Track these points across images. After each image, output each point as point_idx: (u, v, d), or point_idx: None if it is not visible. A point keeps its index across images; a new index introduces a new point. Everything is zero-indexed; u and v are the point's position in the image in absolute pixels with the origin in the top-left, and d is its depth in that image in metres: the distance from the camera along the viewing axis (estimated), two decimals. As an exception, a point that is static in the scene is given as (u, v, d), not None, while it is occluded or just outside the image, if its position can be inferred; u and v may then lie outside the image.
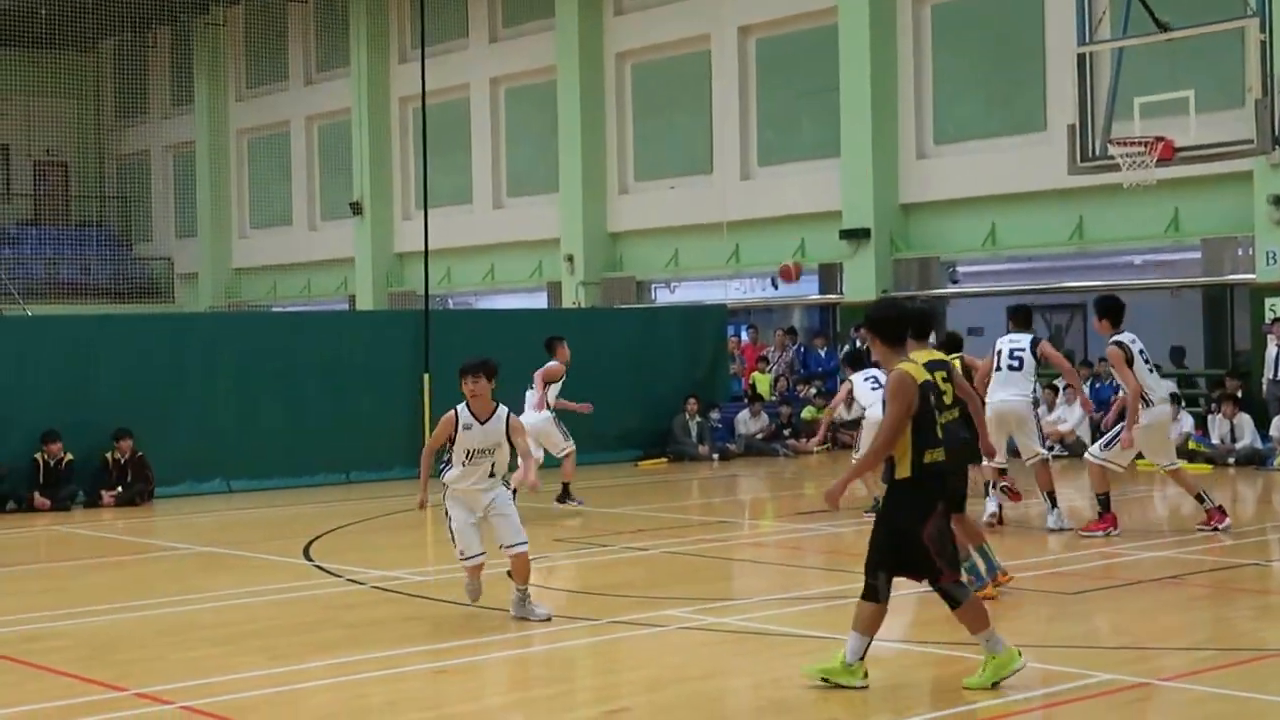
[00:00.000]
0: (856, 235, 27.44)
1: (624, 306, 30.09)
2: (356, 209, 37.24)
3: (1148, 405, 14.57)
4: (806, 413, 26.45)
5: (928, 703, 8.58)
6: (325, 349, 22.66)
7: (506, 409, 11.22)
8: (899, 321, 8.96)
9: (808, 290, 29.89)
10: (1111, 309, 14.77)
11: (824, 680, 8.57)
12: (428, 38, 26.86)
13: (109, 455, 20.13)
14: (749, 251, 30.01)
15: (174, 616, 11.71)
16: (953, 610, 8.71)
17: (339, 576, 13.38)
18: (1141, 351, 14.62)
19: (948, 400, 9.35)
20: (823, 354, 27.89)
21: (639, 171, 32.10)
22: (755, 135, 30.10)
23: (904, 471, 8.58)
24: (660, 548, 14.78)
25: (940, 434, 8.69)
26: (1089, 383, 24.35)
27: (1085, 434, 23.57)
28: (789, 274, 20.08)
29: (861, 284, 27.53)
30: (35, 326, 23.53)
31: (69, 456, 19.80)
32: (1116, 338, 14.59)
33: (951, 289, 27.86)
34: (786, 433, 25.87)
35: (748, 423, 25.62)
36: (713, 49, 30.49)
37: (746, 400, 26.35)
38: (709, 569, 13.65)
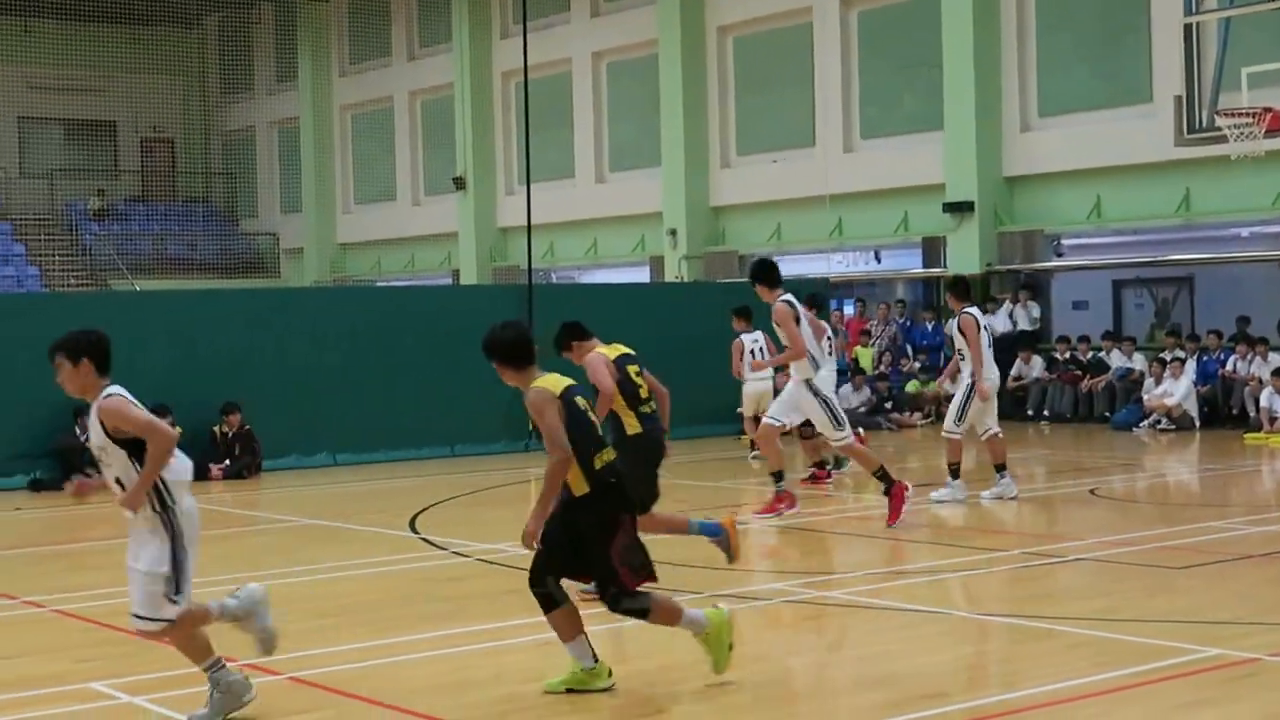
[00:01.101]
0: (960, 208, 27.19)
1: (726, 280, 30.00)
2: (459, 184, 37.40)
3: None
4: (910, 386, 26.28)
5: (1038, 677, 8.49)
6: (429, 324, 22.81)
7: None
8: (519, 343, 8.48)
9: (910, 264, 29.68)
10: (959, 284, 15.72)
11: (570, 691, 8.14)
12: (529, 12, 26.88)
13: (217, 429, 20.41)
14: (851, 225, 29.83)
15: (281, 588, 11.82)
16: (643, 619, 8.33)
17: (444, 549, 13.47)
18: (986, 326, 15.49)
19: (644, 394, 9.46)
20: (929, 327, 27.67)
21: (741, 145, 31.98)
22: (858, 108, 29.89)
23: (581, 488, 8.12)
24: (764, 521, 14.74)
25: (641, 425, 8.56)
26: (1195, 356, 24.02)
27: (1192, 408, 23.26)
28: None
29: (965, 257, 27.28)
30: (143, 302, 23.89)
31: (178, 430, 20.03)
32: (970, 310, 15.32)
33: (1056, 262, 27.53)
34: (888, 406, 25.71)
35: (849, 397, 25.48)
36: (814, 21, 30.30)
37: (849, 374, 26.22)
38: (811, 542, 13.61)
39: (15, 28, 41.86)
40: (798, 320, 14.30)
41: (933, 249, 28.50)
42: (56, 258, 39.65)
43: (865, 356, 27.03)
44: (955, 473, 15.49)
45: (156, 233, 42.91)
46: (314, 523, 15.81)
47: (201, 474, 20.13)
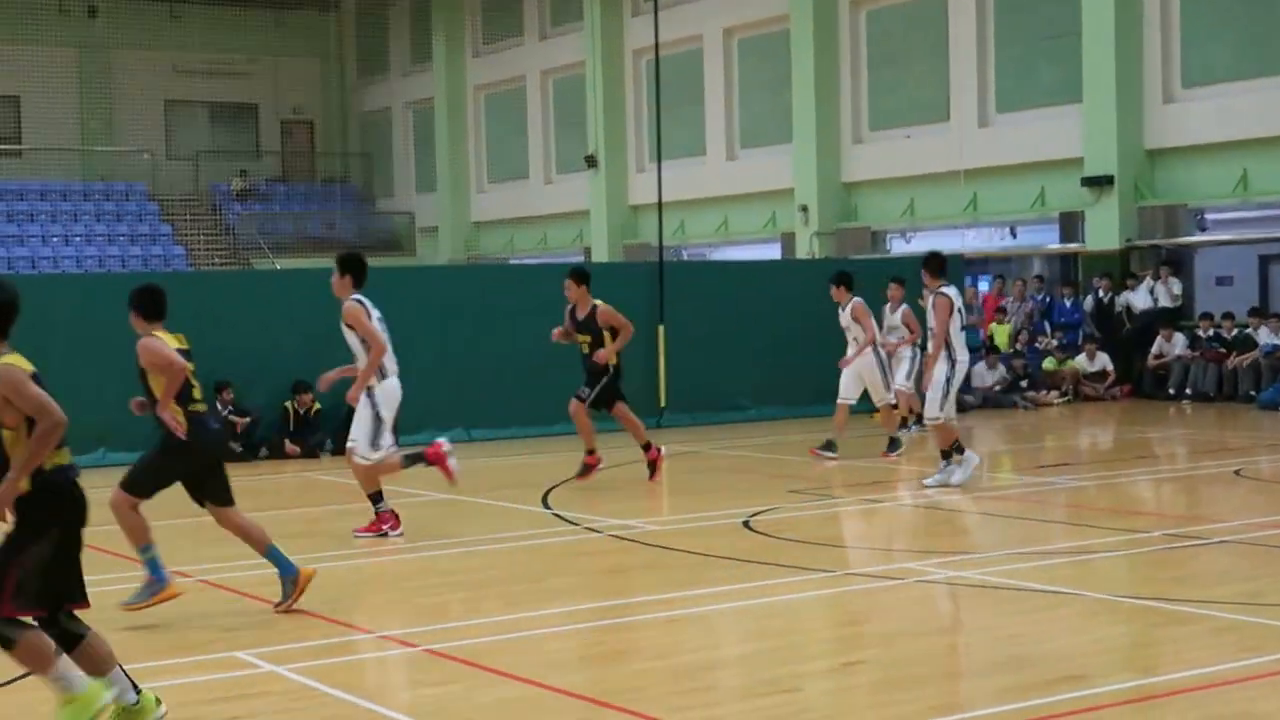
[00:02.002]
0: (1099, 182, 26.77)
1: (858, 257, 29.81)
2: (591, 162, 37.52)
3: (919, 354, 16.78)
4: (1048, 364, 25.96)
5: (1180, 662, 8.36)
6: (562, 301, 22.85)
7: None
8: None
9: (1047, 239, 29.29)
10: (934, 260, 15.40)
11: None
12: (661, -11, 26.90)
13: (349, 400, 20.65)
14: (987, 200, 29.50)
15: (417, 562, 12.00)
16: (5, 649, 6.96)
17: (576, 525, 13.56)
18: (960, 309, 15.29)
19: (196, 393, 9.33)
20: (1067, 304, 27.29)
21: (873, 120, 31.74)
22: (993, 81, 29.51)
23: (24, 485, 7.09)
24: (896, 500, 14.66)
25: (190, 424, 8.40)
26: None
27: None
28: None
29: (1104, 232, 26.86)
30: (284, 280, 24.26)
31: (318, 406, 20.42)
32: (946, 289, 15.11)
33: (1199, 237, 27.01)
34: (1024, 384, 25.42)
35: (984, 374, 25.23)
36: (950, -7, 29.97)
37: (983, 352, 25.94)
38: (947, 522, 13.51)
39: (162, 14, 42.70)
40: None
41: (1070, 224, 28.09)
42: (201, 237, 40.40)
43: (1001, 334, 26.74)
44: (960, 448, 15.21)
45: (296, 212, 43.53)
46: (449, 497, 15.95)
47: (340, 448, 20.44)
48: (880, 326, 19.93)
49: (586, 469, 16.11)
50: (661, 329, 22.73)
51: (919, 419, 19.59)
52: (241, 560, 11.68)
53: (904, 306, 20.22)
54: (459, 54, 42.77)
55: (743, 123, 34.72)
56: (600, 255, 36.97)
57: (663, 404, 22.99)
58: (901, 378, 19.73)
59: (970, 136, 29.40)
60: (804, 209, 31.99)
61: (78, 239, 38.25)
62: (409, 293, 22.08)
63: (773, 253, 33.13)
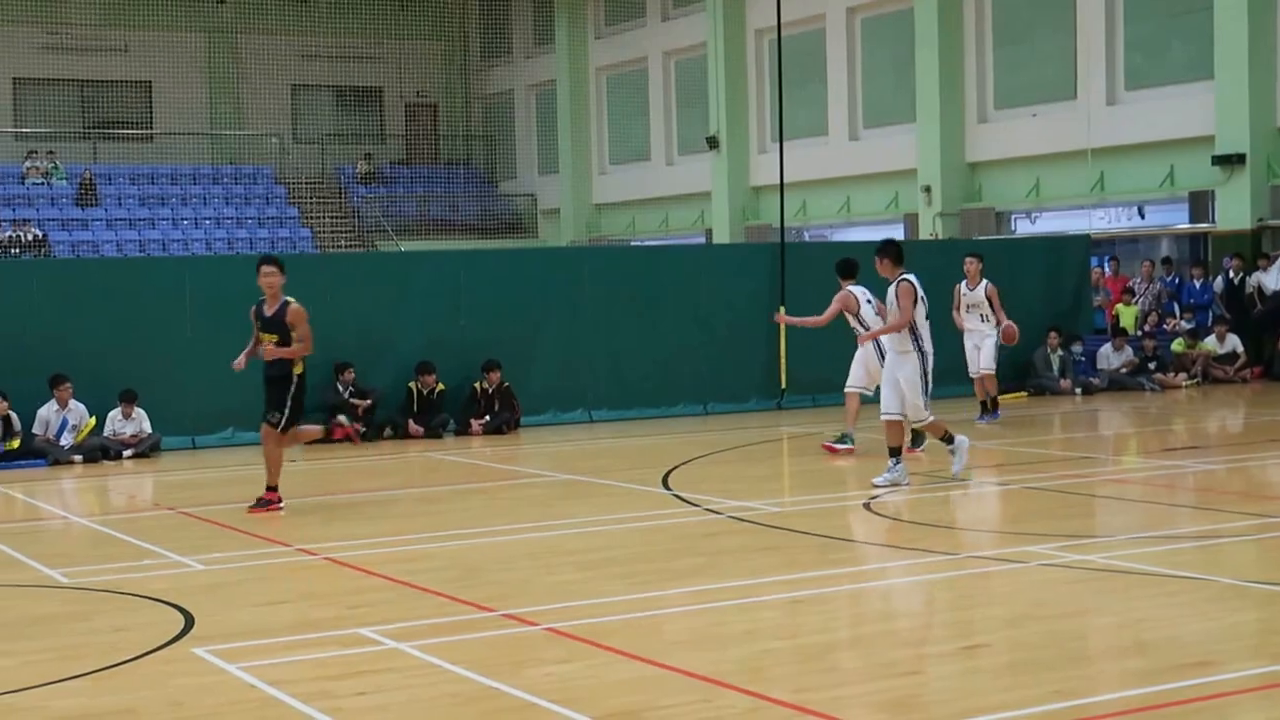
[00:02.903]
0: (1230, 161, 26.27)
1: (983, 238, 29.52)
2: (713, 143, 37.47)
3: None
4: (1177, 345, 25.55)
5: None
6: (683, 282, 22.94)
7: None
8: None
9: (1176, 219, 28.80)
10: (890, 248, 14.75)
11: None
12: (783, -31, 26.75)
13: (478, 385, 20.87)
14: (1114, 180, 29.06)
15: (539, 541, 12.08)
16: None
17: (696, 506, 13.57)
18: (923, 298, 14.64)
19: None
20: (1197, 285, 26.82)
21: (998, 99, 31.38)
22: (1122, 58, 29.05)
23: None
24: (1020, 483, 14.52)
25: None
26: None
27: None
28: (1011, 335, 19.92)
29: (1235, 212, 26.37)
30: (408, 262, 24.51)
31: (441, 386, 20.62)
32: (908, 276, 14.64)
33: (1336, 218, 26.43)
34: (1152, 366, 25.03)
35: (1110, 357, 24.88)
36: (1077, -30, 29.54)
37: (1110, 333, 25.58)
38: (1071, 505, 13.35)
39: (291, -1, 43.29)
40: None
41: (1200, 204, 27.58)
42: (327, 220, 40.89)
43: (1128, 315, 26.35)
44: (949, 438, 14.54)
45: (420, 195, 43.90)
46: (571, 478, 16.05)
47: (463, 429, 20.68)
48: (958, 306, 20.24)
49: (263, 504, 13.90)
50: (783, 310, 22.65)
51: (994, 405, 20.19)
52: (366, 538, 11.85)
53: (985, 282, 20.12)
54: (581, 36, 42.88)
55: (865, 102, 34.48)
56: (721, 236, 36.93)
57: (783, 386, 22.93)
58: (987, 359, 19.93)
59: (1098, 115, 28.97)
60: (927, 189, 31.74)
61: (207, 222, 38.87)
62: (531, 275, 22.21)
63: (895, 234, 32.85)
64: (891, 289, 14.50)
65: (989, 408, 20.27)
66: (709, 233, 38.07)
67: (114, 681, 7.95)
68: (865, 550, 11.05)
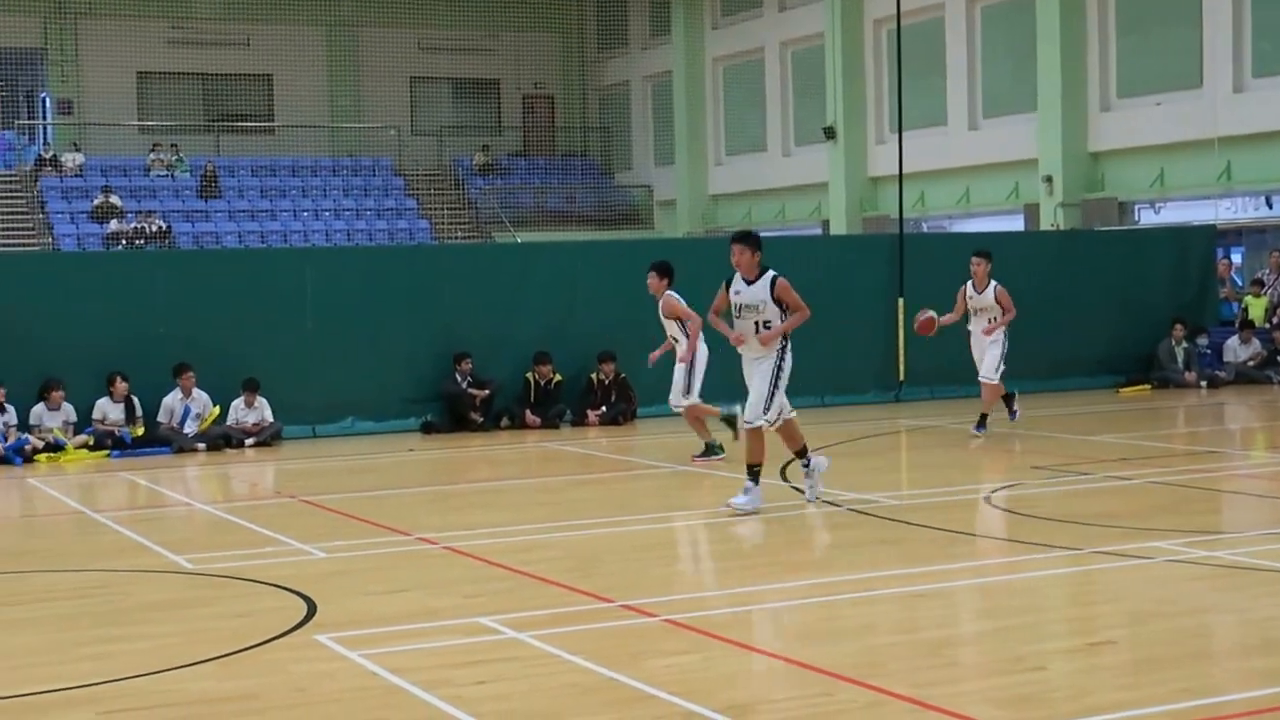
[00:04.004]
0: (1362, 149, 25.71)
1: (1105, 229, 29.11)
2: (830, 134, 37.26)
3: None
4: (1307, 339, 25.05)
5: None
6: (799, 273, 22.65)
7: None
8: None
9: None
10: (755, 239, 13.04)
11: None
12: (903, -42, 26.54)
13: (594, 376, 20.93)
14: (1241, 169, 28.52)
15: (656, 532, 12.08)
16: None
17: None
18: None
19: None
20: (1329, 276, 26.26)
21: (1121, 87, 30.90)
22: (1249, 45, 28.48)
23: None
24: (1144, 477, 14.30)
25: None
26: None
27: None
28: (928, 327, 17.83)
29: (1366, 201, 25.82)
30: (525, 253, 24.61)
31: (558, 377, 20.70)
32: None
33: None
34: (1281, 359, 24.57)
35: (1237, 349, 24.44)
36: (1202, -46, 29.03)
37: (1237, 326, 25.13)
38: (1197, 500, 13.13)
39: (409, -9, 43.62)
40: None
41: (1330, 193, 27.03)
42: (444, 211, 41.17)
43: (1256, 307, 25.85)
44: (805, 456, 13.17)
45: (536, 186, 44.08)
46: (686, 469, 16.04)
47: (579, 419, 20.74)
48: (958, 311, 18.23)
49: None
50: (901, 302, 22.51)
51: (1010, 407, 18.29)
52: (484, 528, 11.91)
53: (994, 284, 18.08)
54: (698, 26, 42.82)
55: (985, 91, 34.11)
56: (839, 228, 36.72)
57: (901, 378, 22.78)
58: (989, 368, 17.79)
59: (1224, 103, 28.45)
60: (1048, 179, 31.33)
61: (326, 214, 39.29)
62: (647, 266, 22.18)
63: (1015, 224, 32.53)
64: (765, 286, 12.67)
65: (1011, 410, 18.34)
66: (826, 224, 37.86)
67: (238, 667, 8.05)
68: (986, 544, 10.93)
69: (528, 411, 20.61)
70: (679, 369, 16.50)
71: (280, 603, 9.54)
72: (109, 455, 18.59)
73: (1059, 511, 12.56)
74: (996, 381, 17.82)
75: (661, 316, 16.68)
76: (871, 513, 12.58)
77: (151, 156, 39.57)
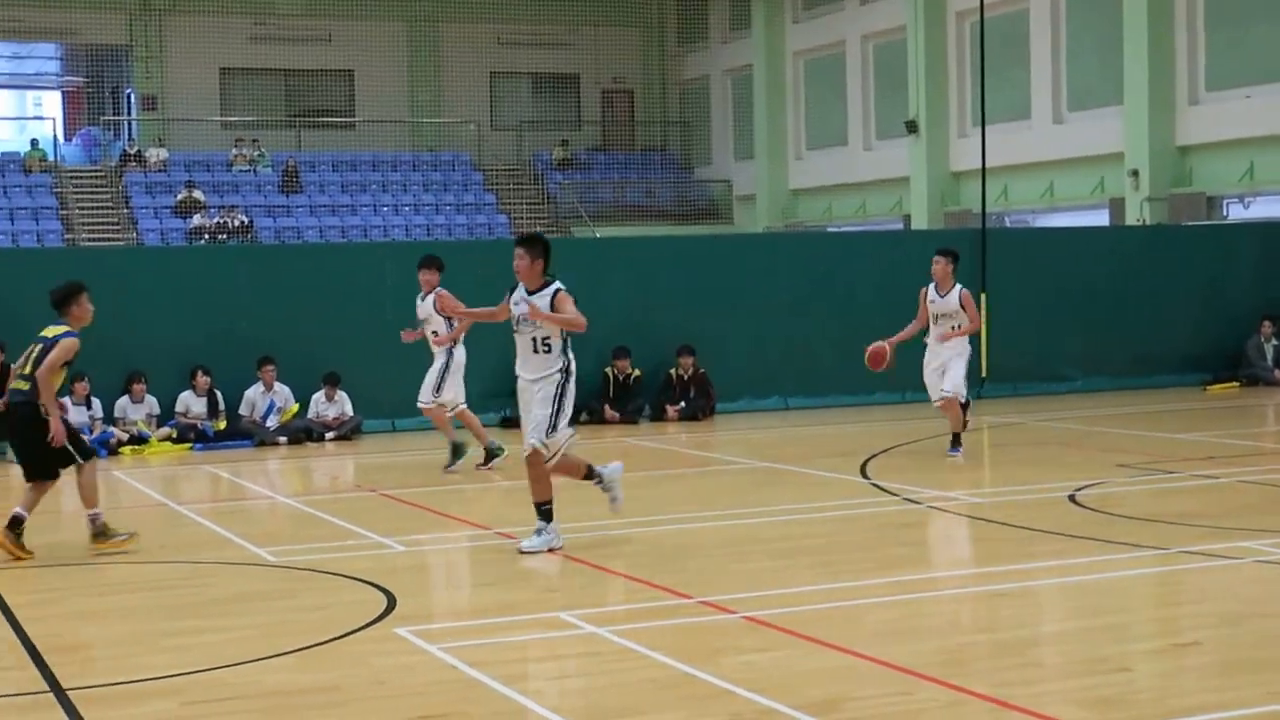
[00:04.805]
0: None
1: (1192, 224, 28.72)
2: (911, 128, 37.01)
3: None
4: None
5: None
6: (881, 269, 22.69)
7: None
8: None
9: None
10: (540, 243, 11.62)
11: None
12: (986, -50, 26.29)
13: (673, 371, 20.88)
14: (1332, 163, 28.08)
15: (735, 529, 12.03)
16: None
17: (895, 495, 13.41)
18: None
19: None
20: None
21: (1210, 80, 30.46)
22: (1342, 37, 28.03)
23: None
24: (1233, 476, 14.08)
25: None
26: None
27: None
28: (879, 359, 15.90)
29: None
30: (604, 247, 24.61)
31: (637, 372, 20.67)
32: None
33: None
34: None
35: (1322, 353, 24.06)
36: (1293, -56, 28.57)
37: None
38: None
39: (489, -15, 43.75)
40: None
41: None
42: (524, 206, 41.26)
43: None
44: (595, 475, 11.58)
45: (616, 181, 44.08)
46: (766, 465, 15.97)
47: (658, 414, 20.70)
48: (921, 317, 16.40)
49: None
50: (984, 297, 22.32)
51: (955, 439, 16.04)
52: (563, 522, 11.86)
53: (959, 287, 16.19)
54: (778, 20, 42.65)
55: (1070, 84, 33.74)
56: (920, 222, 36.47)
57: (984, 374, 22.59)
58: (955, 380, 15.85)
59: (1316, 96, 28.00)
60: (1134, 174, 30.94)
61: (406, 208, 39.47)
62: (725, 261, 22.15)
63: (1100, 219, 32.16)
64: (547, 299, 11.27)
65: (955, 438, 16.12)
66: (907, 219, 37.61)
67: (319, 659, 8.08)
68: (1069, 543, 10.79)
69: (606, 406, 20.59)
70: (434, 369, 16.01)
71: (360, 596, 9.57)
72: (191, 448, 18.76)
73: (1145, 510, 12.38)
74: (964, 398, 15.94)
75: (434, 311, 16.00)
76: (953, 511, 12.47)
77: (234, 152, 39.90)
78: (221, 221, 35.47)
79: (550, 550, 10.88)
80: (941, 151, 36.82)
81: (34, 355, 11.45)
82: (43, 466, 11.41)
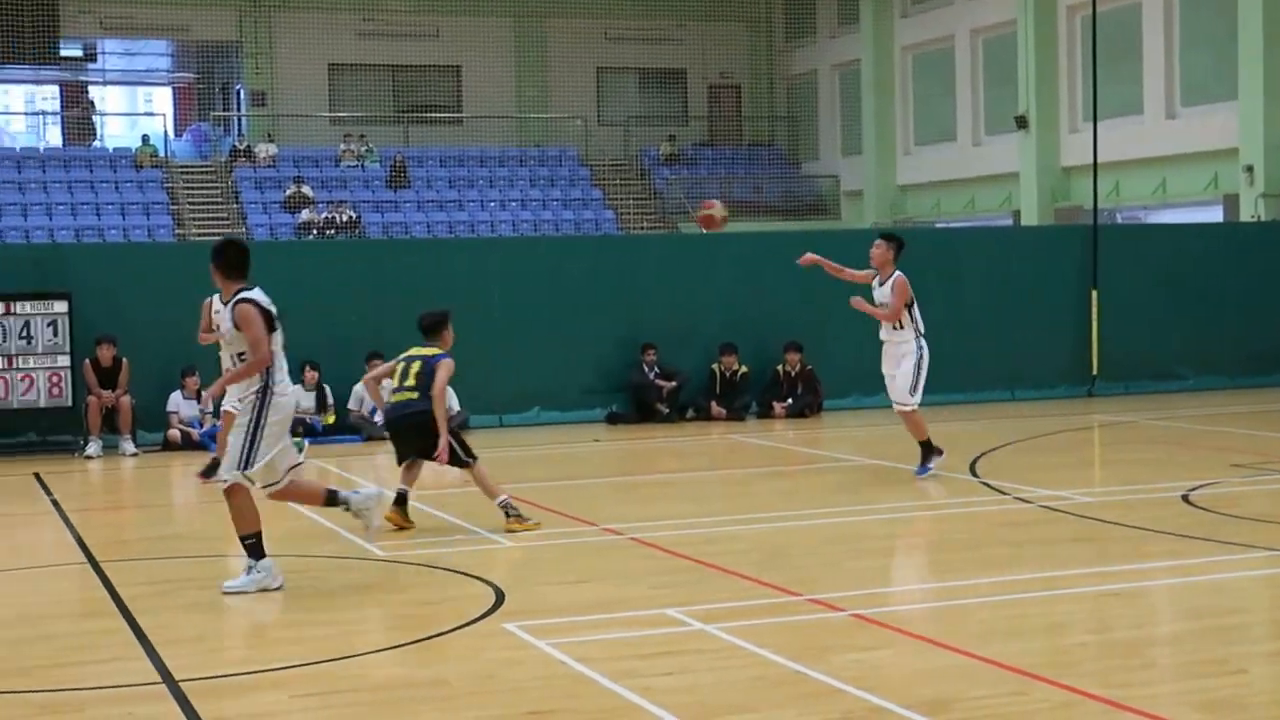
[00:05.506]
0: None
1: (1308, 220, 28.22)
2: (1021, 123, 36.63)
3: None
4: None
5: None
6: (990, 265, 22.51)
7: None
8: None
9: None
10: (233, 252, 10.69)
11: None
12: (1098, -57, 25.94)
13: (780, 368, 20.81)
14: None
15: (843, 526, 11.96)
16: None
17: (1006, 494, 13.27)
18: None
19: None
20: None
21: (1328, 74, 29.90)
22: None
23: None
24: (1350, 477, 13.83)
25: None
26: None
27: None
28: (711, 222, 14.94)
29: None
30: (710, 243, 24.54)
31: (743, 368, 20.62)
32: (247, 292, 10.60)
33: None
34: None
35: None
36: None
37: None
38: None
39: (598, -22, 43.83)
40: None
41: None
42: (630, 201, 41.31)
43: None
44: (257, 552, 9.94)
45: (722, 176, 43.99)
46: (874, 463, 15.88)
47: (765, 411, 20.64)
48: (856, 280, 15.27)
49: None
50: (1095, 294, 22.06)
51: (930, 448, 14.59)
52: (670, 519, 11.90)
53: (897, 274, 14.82)
54: (887, 15, 42.38)
55: (1183, 79, 33.23)
56: (1030, 219, 36.08)
57: (1094, 372, 22.33)
58: (901, 390, 14.81)
59: None
60: (1249, 169, 30.41)
61: (513, 203, 39.65)
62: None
63: (1214, 216, 31.65)
64: (228, 311, 10.29)
65: (923, 451, 14.64)
66: (1016, 214, 37.23)
67: (428, 653, 8.13)
68: (1183, 544, 10.63)
69: (713, 403, 20.56)
70: None
71: (469, 590, 9.62)
72: (300, 442, 18.92)
73: (1260, 511, 12.17)
74: (913, 407, 14.62)
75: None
76: (1064, 510, 12.32)
77: (342, 147, 40.28)
78: (329, 217, 35.82)
79: (263, 590, 9.72)
80: (1051, 147, 36.39)
81: (415, 370, 12.44)
82: (455, 460, 12.23)
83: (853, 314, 21.36)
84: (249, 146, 39.69)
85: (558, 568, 10.43)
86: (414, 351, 12.76)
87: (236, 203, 37.73)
